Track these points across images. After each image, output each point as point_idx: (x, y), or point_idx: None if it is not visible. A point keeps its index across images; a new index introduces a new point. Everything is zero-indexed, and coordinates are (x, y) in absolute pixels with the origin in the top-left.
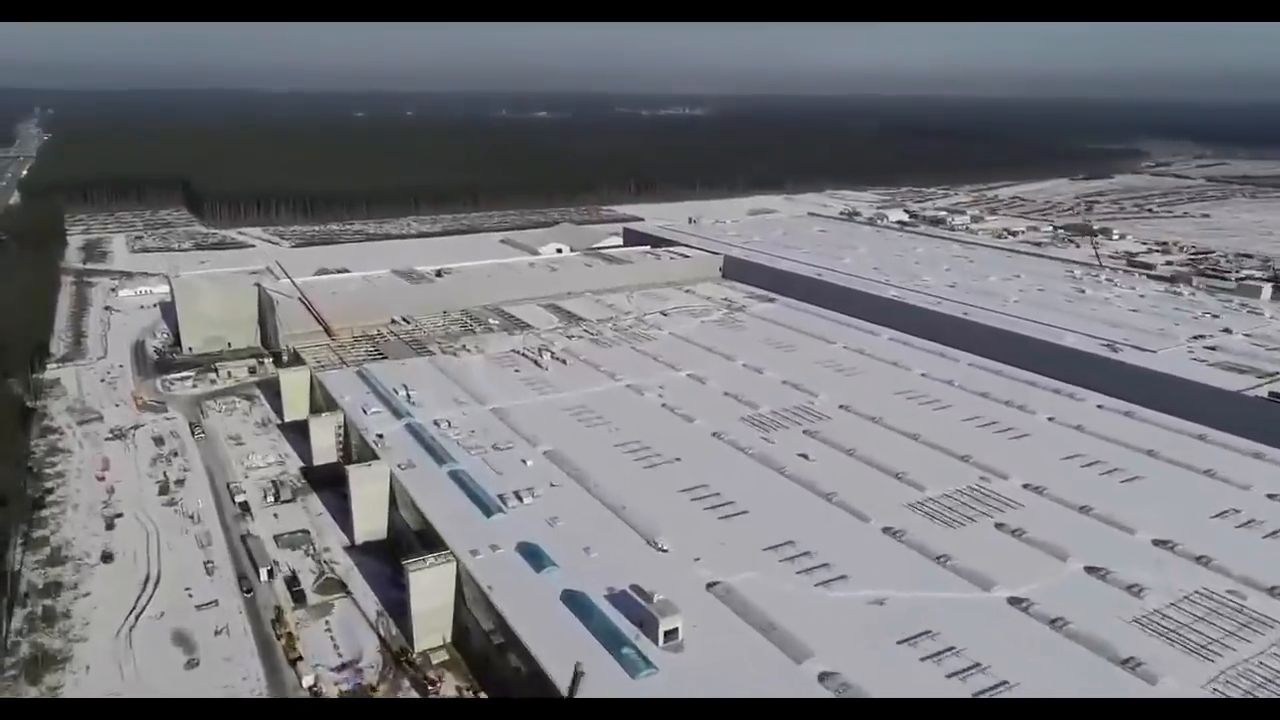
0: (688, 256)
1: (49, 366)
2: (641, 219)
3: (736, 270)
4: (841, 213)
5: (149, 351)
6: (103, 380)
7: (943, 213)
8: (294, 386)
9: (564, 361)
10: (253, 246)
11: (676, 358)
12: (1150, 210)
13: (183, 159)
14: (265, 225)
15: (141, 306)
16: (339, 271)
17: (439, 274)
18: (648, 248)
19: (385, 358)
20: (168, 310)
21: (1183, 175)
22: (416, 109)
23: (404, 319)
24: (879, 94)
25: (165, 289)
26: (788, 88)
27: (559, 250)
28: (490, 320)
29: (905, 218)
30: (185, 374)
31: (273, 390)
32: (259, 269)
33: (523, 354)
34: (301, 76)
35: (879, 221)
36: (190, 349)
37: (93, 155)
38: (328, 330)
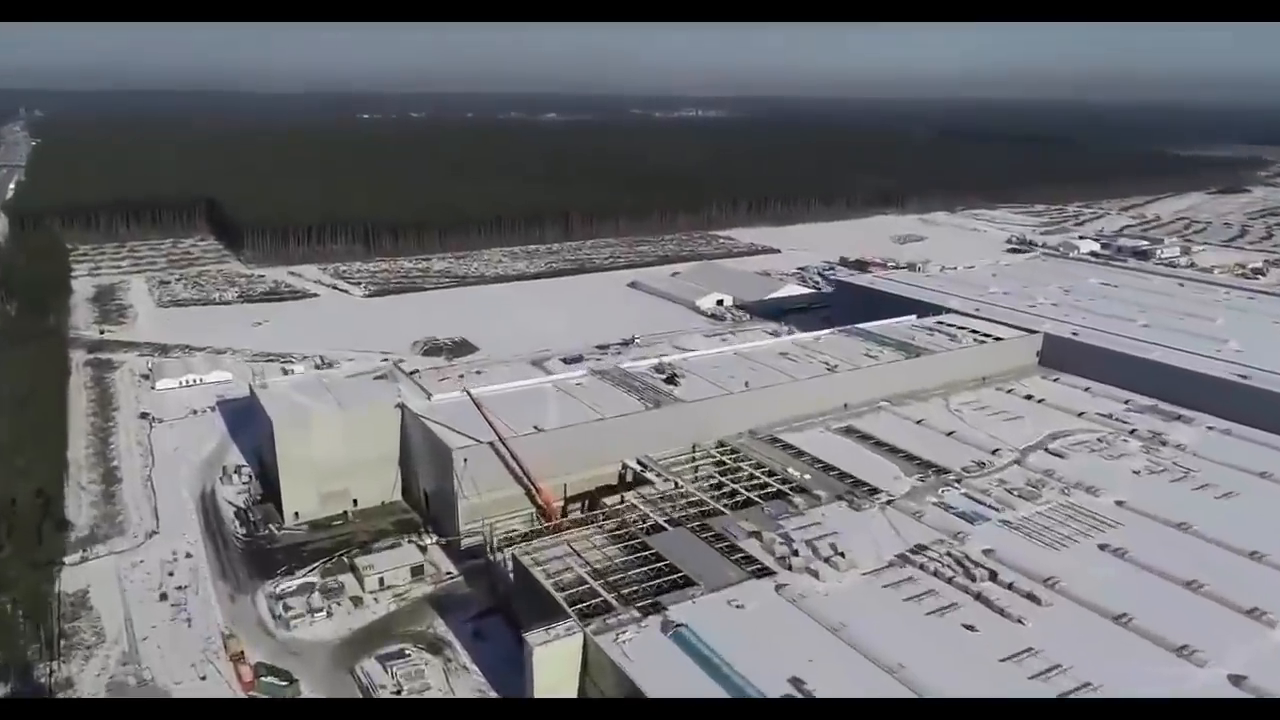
0: (996, 337)
1: (67, 562)
2: (776, 250)
3: (1062, 356)
4: (1013, 241)
5: (228, 518)
6: (163, 597)
7: (1143, 243)
8: (554, 668)
9: (1036, 600)
10: (316, 296)
11: (1164, 557)
12: None
13: (199, 173)
14: (320, 262)
15: (194, 411)
16: (458, 348)
17: (666, 377)
18: (905, 320)
19: (674, 579)
20: (237, 415)
21: None
22: (426, 111)
23: (640, 465)
24: (888, 97)
25: (224, 376)
26: (793, 89)
27: (720, 302)
28: (790, 470)
29: (1097, 248)
30: (302, 578)
31: (459, 607)
32: (381, 371)
33: (926, 568)
34: (287, 78)
35: (1074, 255)
36: (296, 515)
37: (91, 166)
38: (542, 508)
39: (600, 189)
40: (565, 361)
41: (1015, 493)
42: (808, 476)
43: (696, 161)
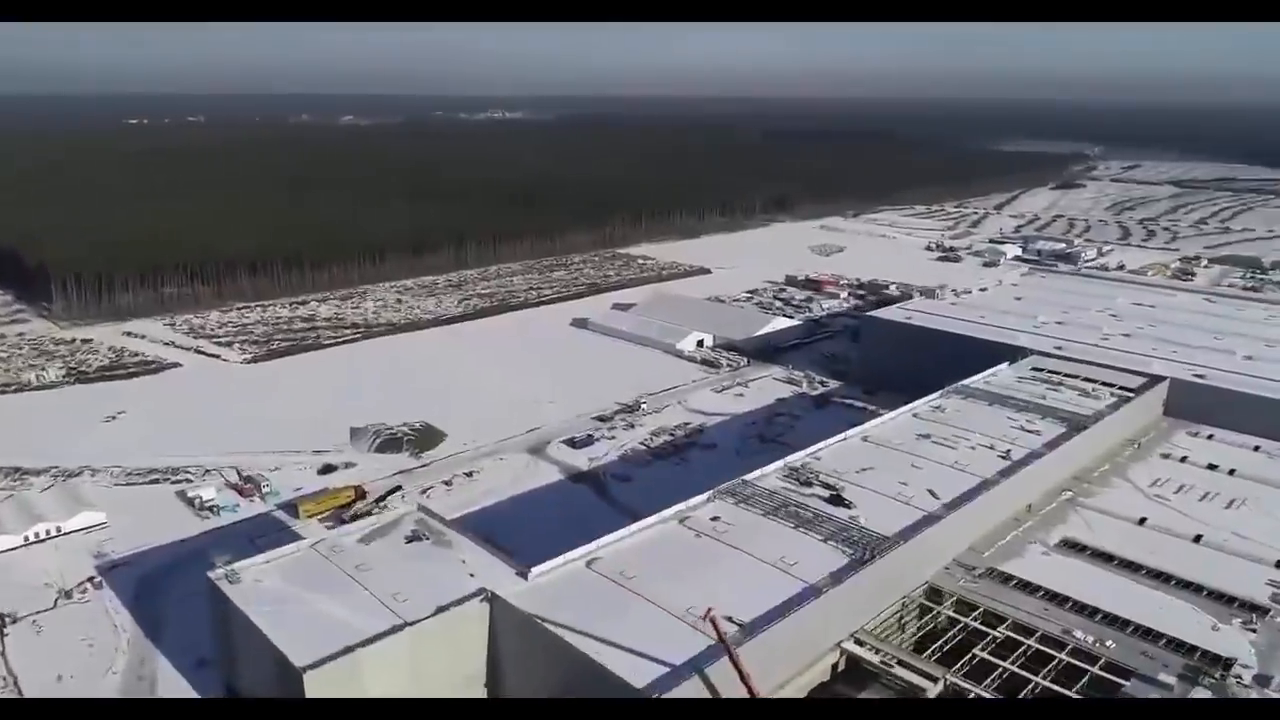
0: (1123, 387)
1: None
2: (707, 270)
3: (1188, 403)
4: (933, 248)
5: None
6: None
7: (1061, 246)
8: None
9: None
10: (178, 366)
11: None
12: (1228, 227)
13: None
14: (160, 314)
15: (64, 593)
16: (421, 438)
17: (830, 496)
18: (1004, 370)
19: None
20: (144, 591)
21: (1147, 181)
22: (204, 114)
23: (857, 645)
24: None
25: (95, 517)
26: (585, 88)
27: (700, 343)
28: (1078, 635)
29: (1020, 253)
30: None
31: None
32: (411, 527)
33: None
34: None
35: (1004, 261)
36: None
37: None
38: None
39: (469, 205)
40: (573, 445)
41: None
42: (1110, 644)
43: (544, 168)
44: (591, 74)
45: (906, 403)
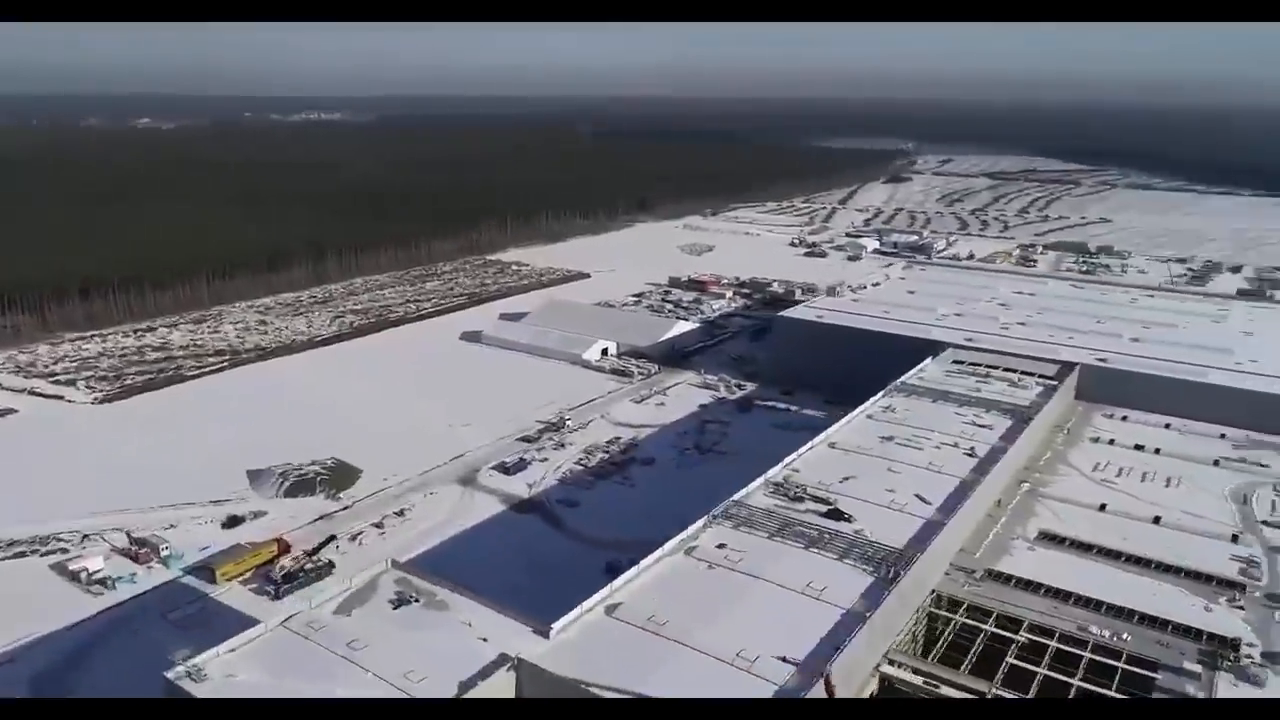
0: (1044, 375)
1: None
2: (586, 275)
3: (1096, 388)
4: (797, 243)
5: None
6: None
7: (912, 237)
8: None
9: None
10: (14, 412)
11: None
12: (1046, 215)
13: None
14: None
15: None
16: (336, 476)
17: (827, 511)
18: (930, 365)
19: None
20: None
21: (964, 174)
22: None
23: (895, 666)
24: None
25: None
26: (400, 87)
27: (605, 351)
28: (1095, 631)
29: (878, 245)
30: None
31: None
32: (389, 573)
33: None
34: None
35: (867, 255)
36: None
37: None
38: None
39: (311, 213)
40: (506, 471)
41: None
42: (1127, 637)
43: (381, 172)
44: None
45: (825, 401)
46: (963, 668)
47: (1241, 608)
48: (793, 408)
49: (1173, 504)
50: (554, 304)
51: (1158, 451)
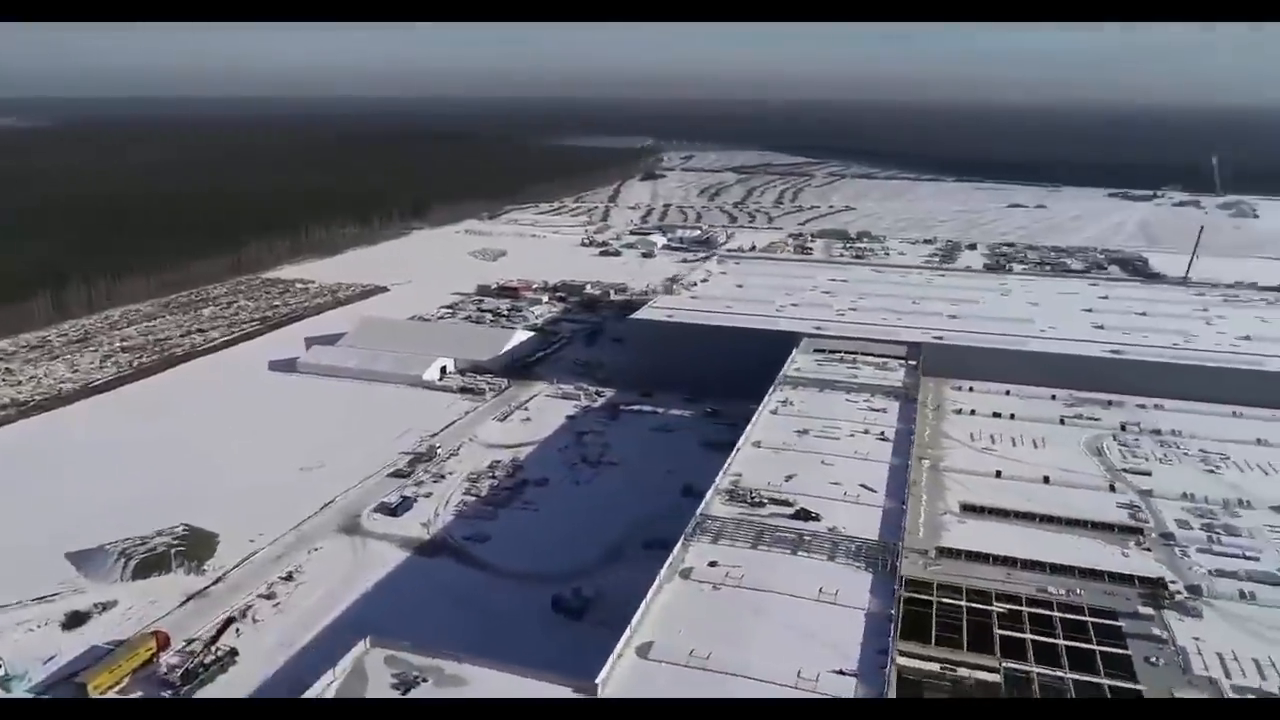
0: (899, 357)
1: None
2: (385, 288)
3: (935, 363)
4: (587, 243)
5: None
6: None
7: (695, 232)
8: None
9: None
10: None
11: None
12: (800, 206)
13: None
14: None
15: None
16: (194, 543)
17: (796, 511)
18: (802, 357)
19: None
20: None
21: (711, 169)
22: None
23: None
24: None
25: None
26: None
27: (444, 369)
28: (1064, 593)
29: (666, 241)
30: None
31: None
32: (367, 653)
33: None
34: None
35: (658, 252)
36: None
37: None
38: None
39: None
40: (391, 512)
41: None
42: (1079, 591)
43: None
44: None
45: (686, 400)
46: (963, 646)
47: (1149, 549)
48: (658, 409)
49: (1048, 463)
50: (370, 323)
51: (1013, 417)
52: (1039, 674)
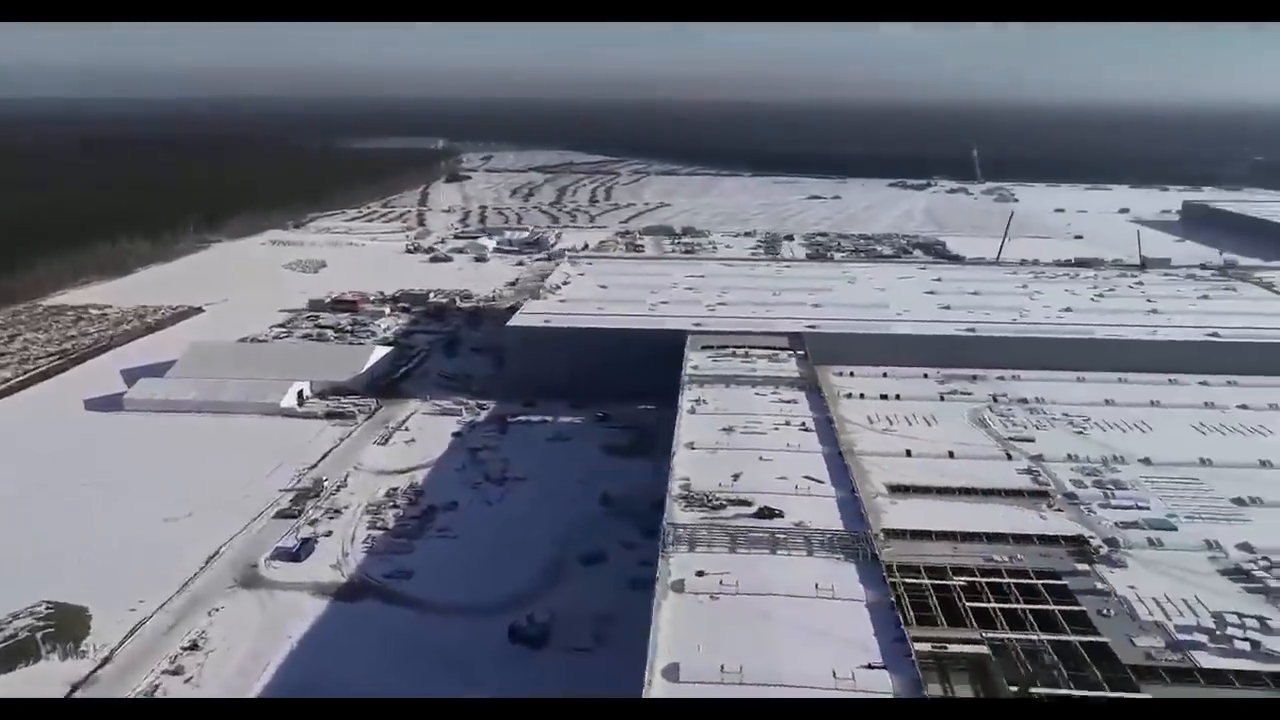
0: (791, 348)
1: None
2: (200, 309)
3: (827, 352)
4: (416, 250)
5: None
6: None
7: (524, 233)
8: None
9: None
10: None
11: None
12: (617, 204)
13: None
14: None
15: None
16: (61, 627)
17: (759, 510)
18: (698, 356)
19: None
20: None
21: (515, 170)
22: None
23: None
24: None
25: None
26: None
27: (301, 394)
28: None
29: (495, 245)
30: None
31: None
32: None
33: None
34: None
35: (491, 254)
36: None
37: None
38: None
39: None
40: (292, 558)
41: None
42: (1020, 557)
43: None
44: None
45: (573, 407)
46: (941, 623)
47: (1060, 510)
48: (546, 419)
49: (945, 438)
50: (202, 349)
51: (898, 398)
52: (1016, 640)
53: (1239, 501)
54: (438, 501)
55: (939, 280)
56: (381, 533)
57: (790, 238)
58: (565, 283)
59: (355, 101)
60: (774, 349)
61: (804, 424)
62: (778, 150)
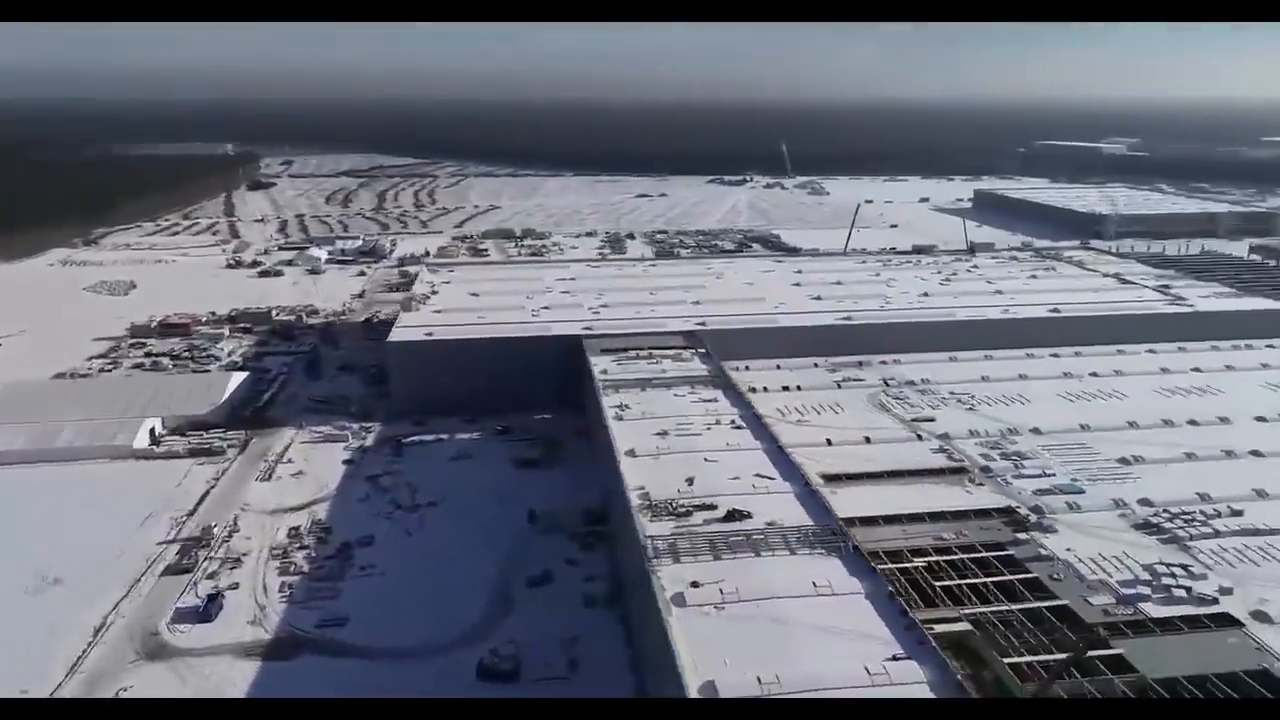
0: (694, 347)
1: None
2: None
3: (723, 348)
4: (238, 265)
5: None
6: None
7: (356, 241)
8: None
9: None
10: None
11: None
12: (445, 208)
13: None
14: None
15: None
16: None
17: (726, 514)
18: (605, 361)
19: None
20: None
21: (323, 175)
22: None
23: None
24: None
25: None
26: None
27: (154, 432)
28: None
29: (327, 256)
30: None
31: None
32: None
33: None
34: None
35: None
36: None
37: None
38: None
39: None
40: (203, 619)
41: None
42: (965, 533)
43: None
44: None
45: (468, 421)
46: (919, 605)
47: (982, 484)
48: (442, 437)
49: (856, 424)
50: (18, 390)
51: (799, 389)
52: (989, 613)
53: (1124, 461)
54: (350, 537)
55: (800, 273)
56: (297, 578)
57: (632, 236)
58: (434, 292)
59: (121, 104)
60: (675, 348)
61: (734, 422)
62: (599, 150)
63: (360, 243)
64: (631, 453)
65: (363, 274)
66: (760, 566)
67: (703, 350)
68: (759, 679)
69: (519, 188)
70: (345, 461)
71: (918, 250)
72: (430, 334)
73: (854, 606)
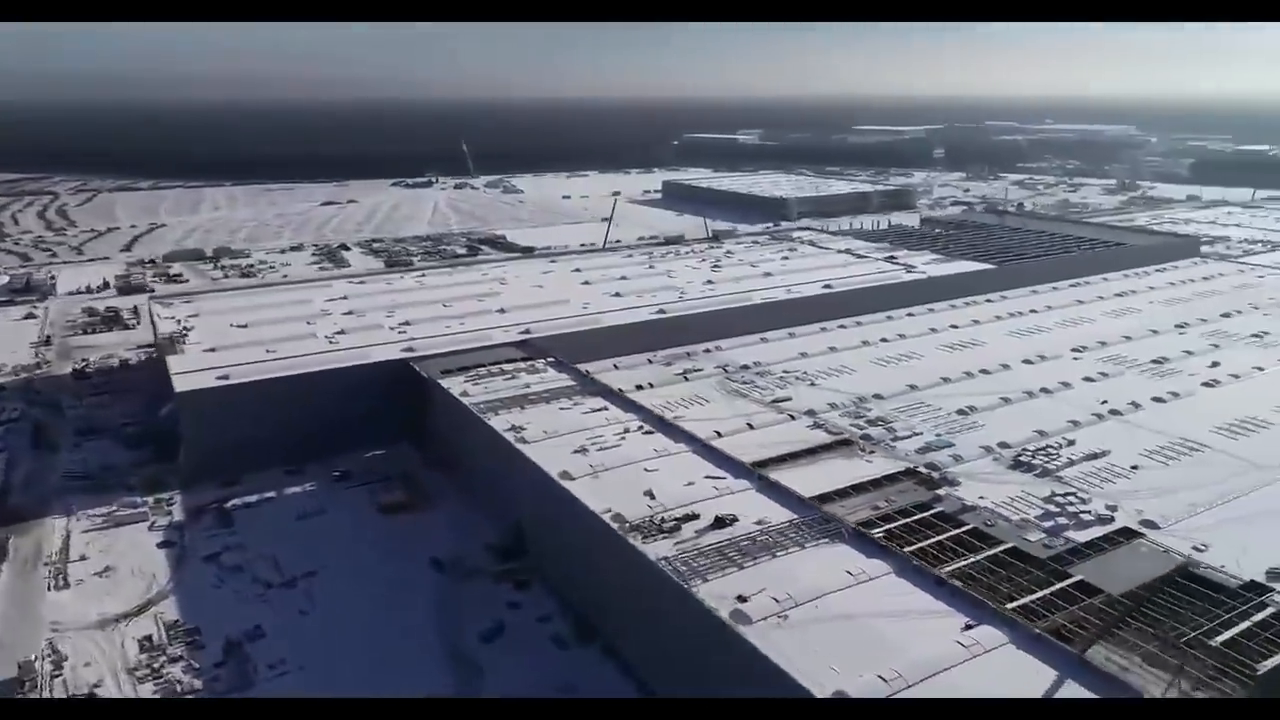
0: (522, 357)
1: None
2: None
3: (559, 353)
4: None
5: None
6: None
7: (3, 279)
8: None
9: None
10: None
11: None
12: (92, 230)
13: None
14: None
15: None
16: None
17: (714, 521)
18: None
19: None
20: None
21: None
22: None
23: None
24: None
25: None
26: None
27: None
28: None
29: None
30: None
31: None
32: None
33: None
34: None
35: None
36: None
37: None
38: None
39: None
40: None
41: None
42: (894, 498)
43: None
44: None
45: (287, 473)
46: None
47: (873, 452)
48: (269, 495)
49: (727, 413)
50: None
51: (651, 386)
52: (964, 568)
53: (963, 412)
54: (231, 633)
55: (579, 271)
56: (191, 697)
57: (346, 247)
58: (187, 329)
59: None
60: (518, 360)
61: (641, 427)
62: (245, 154)
63: (8, 280)
64: (566, 475)
65: (31, 316)
66: (785, 567)
67: (552, 359)
68: (881, 678)
69: (176, 201)
70: (161, 544)
71: (669, 241)
72: (226, 377)
73: (896, 586)
